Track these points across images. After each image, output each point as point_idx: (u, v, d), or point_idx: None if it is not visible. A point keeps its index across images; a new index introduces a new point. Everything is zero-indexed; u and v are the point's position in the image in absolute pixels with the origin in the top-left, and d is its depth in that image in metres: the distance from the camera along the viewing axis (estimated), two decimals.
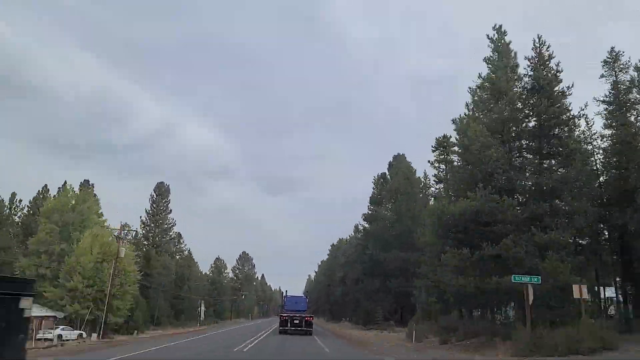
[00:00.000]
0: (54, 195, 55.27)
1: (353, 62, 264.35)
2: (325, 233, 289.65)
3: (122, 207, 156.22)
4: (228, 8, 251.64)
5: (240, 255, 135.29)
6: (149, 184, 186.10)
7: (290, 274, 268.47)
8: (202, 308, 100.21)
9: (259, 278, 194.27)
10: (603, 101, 30.35)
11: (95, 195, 54.43)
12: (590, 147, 31.13)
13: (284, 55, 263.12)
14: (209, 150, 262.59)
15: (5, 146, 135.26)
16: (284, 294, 49.32)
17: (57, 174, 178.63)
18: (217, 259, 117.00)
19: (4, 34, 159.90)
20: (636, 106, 29.37)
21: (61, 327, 36.11)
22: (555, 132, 27.07)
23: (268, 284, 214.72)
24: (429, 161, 43.38)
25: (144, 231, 73.49)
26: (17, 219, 62.42)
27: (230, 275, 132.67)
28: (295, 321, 39.50)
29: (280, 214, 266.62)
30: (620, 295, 31.54)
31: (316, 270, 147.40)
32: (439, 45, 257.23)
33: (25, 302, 7.42)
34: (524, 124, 28.13)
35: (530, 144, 28.15)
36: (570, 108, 26.90)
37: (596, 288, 30.86)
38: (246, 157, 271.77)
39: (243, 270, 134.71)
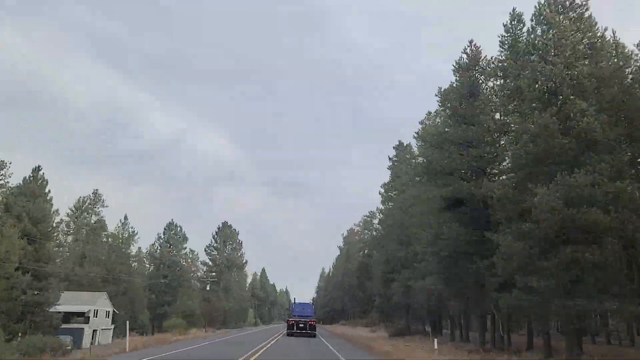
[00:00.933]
0: None
1: (363, 67, 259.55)
2: (336, 234, 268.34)
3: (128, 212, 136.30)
4: (237, 18, 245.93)
5: (218, 228, 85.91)
6: (157, 192, 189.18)
7: (297, 276, 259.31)
8: (108, 310, 51.30)
9: (258, 273, 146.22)
10: None
11: None
12: None
13: (295, 62, 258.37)
14: (218, 157, 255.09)
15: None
16: (293, 301, 52.58)
17: (67, 182, 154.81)
18: (170, 224, 68.39)
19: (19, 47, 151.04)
20: None
21: None
22: None
23: (271, 282, 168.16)
24: None
25: None
26: None
27: (204, 259, 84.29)
28: (300, 325, 43.17)
29: (288, 217, 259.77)
30: None
31: (340, 245, 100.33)
32: (446, 49, 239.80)
33: None
34: None
35: None
36: None
37: None
38: (255, 163, 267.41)
39: (223, 251, 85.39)
